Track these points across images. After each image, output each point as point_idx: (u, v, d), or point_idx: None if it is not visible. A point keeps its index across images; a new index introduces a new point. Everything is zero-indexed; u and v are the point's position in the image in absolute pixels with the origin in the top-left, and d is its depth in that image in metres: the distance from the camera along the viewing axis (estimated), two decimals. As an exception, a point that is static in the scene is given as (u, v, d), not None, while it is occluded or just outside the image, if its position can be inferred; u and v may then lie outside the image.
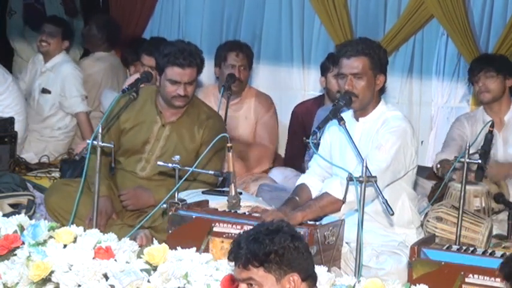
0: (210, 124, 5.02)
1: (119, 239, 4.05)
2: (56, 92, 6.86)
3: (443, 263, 3.75)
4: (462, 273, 3.70)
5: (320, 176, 4.54)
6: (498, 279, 3.59)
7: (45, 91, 6.91)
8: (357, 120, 4.42)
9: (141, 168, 5.04)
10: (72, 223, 4.29)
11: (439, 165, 5.35)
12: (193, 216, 4.18)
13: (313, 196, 4.47)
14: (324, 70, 5.97)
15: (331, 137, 4.53)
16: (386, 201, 3.89)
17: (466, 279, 3.69)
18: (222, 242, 4.07)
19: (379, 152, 4.23)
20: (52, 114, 6.91)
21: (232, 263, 2.97)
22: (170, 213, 4.22)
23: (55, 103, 6.87)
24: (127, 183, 5.04)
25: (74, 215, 4.45)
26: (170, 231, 4.19)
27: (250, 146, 6.03)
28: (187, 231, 4.13)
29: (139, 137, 5.02)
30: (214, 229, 4.10)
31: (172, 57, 4.83)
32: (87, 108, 6.92)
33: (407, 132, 4.31)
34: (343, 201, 4.09)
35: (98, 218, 4.54)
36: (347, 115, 4.44)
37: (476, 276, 3.68)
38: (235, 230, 4.04)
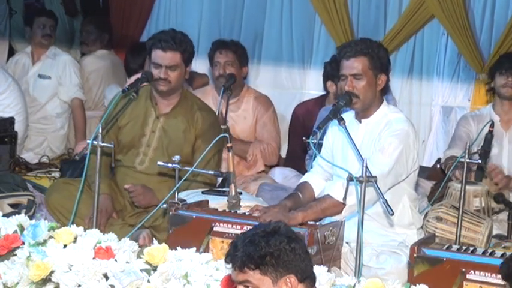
0: (203, 115, 5.06)
1: (120, 238, 4.04)
2: (57, 76, 6.89)
3: (445, 259, 3.75)
4: (464, 269, 3.69)
5: (323, 176, 4.55)
6: (500, 276, 3.59)
7: (43, 76, 6.93)
8: (360, 121, 4.41)
9: (140, 162, 5.06)
10: (73, 222, 4.30)
11: (443, 161, 5.36)
12: (194, 216, 4.17)
13: (316, 194, 4.48)
14: (332, 75, 5.94)
15: (333, 138, 4.52)
16: (386, 201, 3.88)
17: (468, 276, 3.69)
18: (222, 242, 4.07)
19: (381, 155, 4.22)
20: (49, 101, 6.93)
21: (230, 265, 2.97)
22: (170, 213, 4.23)
23: (53, 88, 6.90)
24: (127, 179, 5.05)
25: (75, 214, 4.46)
26: (171, 231, 4.20)
27: (251, 144, 6.02)
28: (187, 231, 4.12)
29: (135, 130, 5.05)
30: (215, 229, 4.11)
31: (156, 41, 4.94)
32: (83, 97, 6.97)
33: (410, 135, 4.30)
34: (344, 204, 4.10)
35: (98, 217, 4.56)
36: (349, 116, 4.43)
37: (478, 272, 3.67)
38: (235, 230, 4.04)
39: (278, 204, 4.31)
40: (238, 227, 4.05)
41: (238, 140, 5.94)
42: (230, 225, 4.08)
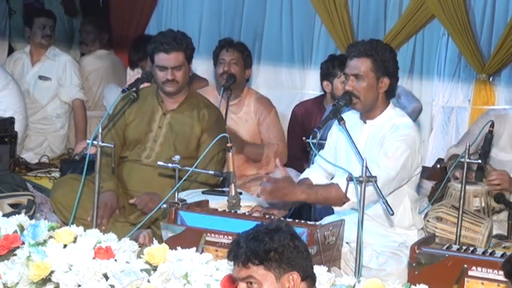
0: (210, 112, 5.15)
1: (122, 237, 4.05)
2: (57, 77, 6.89)
3: (446, 255, 3.75)
4: (465, 265, 3.69)
5: (323, 174, 4.55)
6: (502, 272, 3.58)
7: (43, 78, 6.92)
8: (364, 122, 4.41)
9: (146, 156, 5.12)
10: (75, 217, 4.37)
11: (446, 160, 5.33)
12: (185, 227, 4.15)
13: None
14: (328, 75, 5.93)
15: (337, 136, 4.52)
16: (386, 201, 3.89)
17: (470, 272, 3.69)
18: (216, 250, 4.04)
19: (388, 159, 4.21)
20: (49, 102, 6.93)
21: (232, 262, 2.96)
22: (161, 223, 4.22)
23: (54, 90, 6.90)
24: (133, 173, 5.12)
25: (76, 209, 4.47)
26: (165, 239, 4.18)
27: (265, 147, 6.01)
28: (180, 241, 4.10)
29: (142, 127, 5.13)
30: (207, 239, 4.08)
31: (157, 44, 5.02)
32: (84, 97, 6.97)
33: (416, 141, 4.31)
34: (346, 200, 4.10)
35: (102, 211, 4.68)
36: (355, 116, 4.44)
37: (479, 268, 3.67)
38: (228, 240, 3.98)
39: (283, 178, 4.27)
40: (230, 237, 3.97)
41: (252, 144, 5.94)
42: (222, 236, 4.03)
